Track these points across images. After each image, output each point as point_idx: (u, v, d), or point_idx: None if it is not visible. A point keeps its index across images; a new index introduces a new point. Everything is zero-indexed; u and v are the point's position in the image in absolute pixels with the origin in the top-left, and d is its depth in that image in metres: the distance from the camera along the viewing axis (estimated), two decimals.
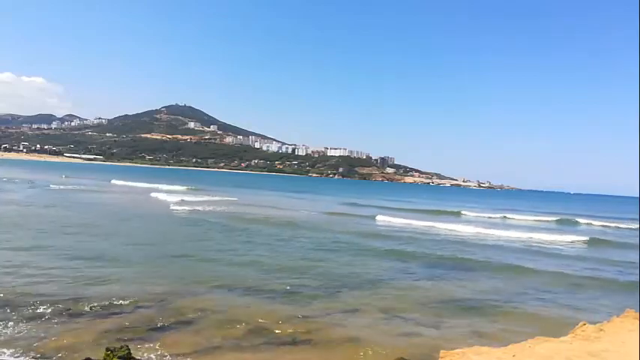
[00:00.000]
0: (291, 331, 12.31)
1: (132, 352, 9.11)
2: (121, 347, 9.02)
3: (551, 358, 8.72)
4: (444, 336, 12.72)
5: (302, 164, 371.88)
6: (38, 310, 12.35)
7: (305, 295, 16.10)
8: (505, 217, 60.12)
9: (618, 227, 56.33)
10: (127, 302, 13.58)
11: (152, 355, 9.82)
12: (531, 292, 19.04)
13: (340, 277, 19.40)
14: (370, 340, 12.00)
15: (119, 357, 8.58)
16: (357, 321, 13.67)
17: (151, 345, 10.53)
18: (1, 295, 13.43)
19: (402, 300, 16.43)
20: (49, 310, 12.37)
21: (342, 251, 26.51)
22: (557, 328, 12.45)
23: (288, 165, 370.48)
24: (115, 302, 13.49)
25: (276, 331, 12.17)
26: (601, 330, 11.03)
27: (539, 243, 36.72)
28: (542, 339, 10.10)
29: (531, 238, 39.59)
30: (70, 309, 12.59)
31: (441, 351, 8.79)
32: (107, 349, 9.06)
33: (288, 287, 16.99)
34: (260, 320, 12.93)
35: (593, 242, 38.15)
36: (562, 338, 10.34)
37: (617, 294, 19.68)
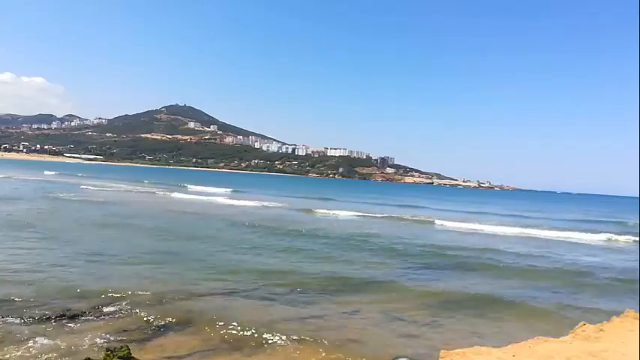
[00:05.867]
0: (292, 330, 12.32)
1: (132, 352, 9.10)
2: (121, 347, 9.02)
3: (551, 358, 8.75)
4: (444, 338, 12.72)
5: (302, 164, 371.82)
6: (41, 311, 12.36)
7: (304, 295, 16.18)
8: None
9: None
10: (128, 303, 13.63)
11: (152, 356, 9.78)
12: None
13: None
14: (370, 341, 12.03)
15: (119, 357, 8.58)
16: (356, 324, 13.67)
17: (153, 346, 10.54)
18: None
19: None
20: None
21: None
22: None
23: (288, 165, 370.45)
24: (115, 302, 13.53)
25: (279, 330, 12.16)
26: (601, 330, 11.05)
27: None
28: (543, 339, 10.11)
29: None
30: (69, 309, 12.60)
31: (442, 351, 8.80)
32: (107, 350, 9.06)
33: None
34: (261, 319, 13.01)
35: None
36: (562, 338, 10.35)
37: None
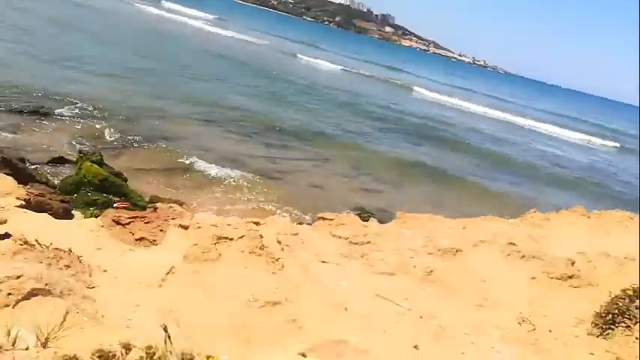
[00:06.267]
0: (261, 167, 12.73)
1: (104, 159, 9.23)
2: (94, 153, 9.15)
3: (496, 236, 9.46)
4: (401, 197, 13.41)
5: (297, 5, 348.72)
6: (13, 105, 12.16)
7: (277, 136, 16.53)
8: None
9: None
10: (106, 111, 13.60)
11: (122, 166, 9.97)
12: None
13: None
14: (334, 189, 12.62)
15: (92, 161, 8.73)
16: (323, 171, 14.17)
17: (124, 157, 10.77)
18: None
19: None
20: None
21: None
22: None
23: (282, 3, 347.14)
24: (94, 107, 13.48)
25: (248, 165, 12.55)
26: (547, 219, 11.79)
27: None
28: (494, 218, 10.83)
29: None
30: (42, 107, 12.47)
31: (398, 212, 9.39)
32: (80, 152, 9.21)
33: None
34: (233, 151, 13.35)
35: None
36: (511, 220, 11.09)
37: None
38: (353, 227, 2.73)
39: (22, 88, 13.72)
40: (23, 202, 2.58)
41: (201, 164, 11.60)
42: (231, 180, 11.22)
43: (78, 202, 7.78)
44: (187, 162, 11.52)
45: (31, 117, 11.62)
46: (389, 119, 26.72)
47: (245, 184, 11.23)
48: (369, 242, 2.43)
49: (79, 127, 11.95)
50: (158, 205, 7.27)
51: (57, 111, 12.50)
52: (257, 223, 2.84)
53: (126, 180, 8.97)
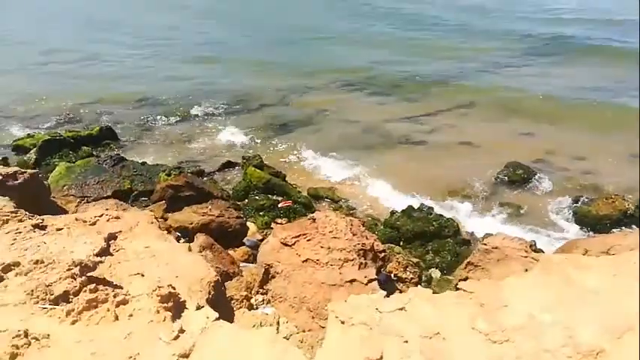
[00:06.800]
0: (406, 130, 12.76)
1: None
2: (254, 156, 10.22)
3: None
4: (558, 140, 12.27)
5: None
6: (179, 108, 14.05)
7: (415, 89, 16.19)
8: None
9: None
10: (252, 101, 14.85)
11: (279, 159, 10.97)
12: None
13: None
14: (483, 142, 12.02)
15: (254, 165, 9.81)
16: (469, 122, 13.54)
17: (276, 150, 11.74)
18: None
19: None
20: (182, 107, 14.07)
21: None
22: None
23: None
24: (240, 99, 14.81)
25: (392, 134, 12.63)
26: None
27: None
28: None
29: None
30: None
31: (542, 258, 8.80)
32: (243, 158, 10.36)
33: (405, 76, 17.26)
34: (376, 117, 13.64)
35: None
36: None
37: None
38: (491, 309, 2.78)
39: (177, 95, 15.37)
40: (216, 315, 2.86)
41: (344, 141, 12.03)
42: (376, 161, 11.03)
43: (249, 208, 8.91)
44: (332, 140, 12.04)
45: (194, 122, 13.27)
46: (537, 35, 23.74)
47: (386, 150, 11.44)
48: (507, 340, 2.54)
49: (236, 120, 13.26)
50: (316, 215, 7.89)
51: (203, 111, 14.01)
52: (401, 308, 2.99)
53: (284, 177, 9.91)
